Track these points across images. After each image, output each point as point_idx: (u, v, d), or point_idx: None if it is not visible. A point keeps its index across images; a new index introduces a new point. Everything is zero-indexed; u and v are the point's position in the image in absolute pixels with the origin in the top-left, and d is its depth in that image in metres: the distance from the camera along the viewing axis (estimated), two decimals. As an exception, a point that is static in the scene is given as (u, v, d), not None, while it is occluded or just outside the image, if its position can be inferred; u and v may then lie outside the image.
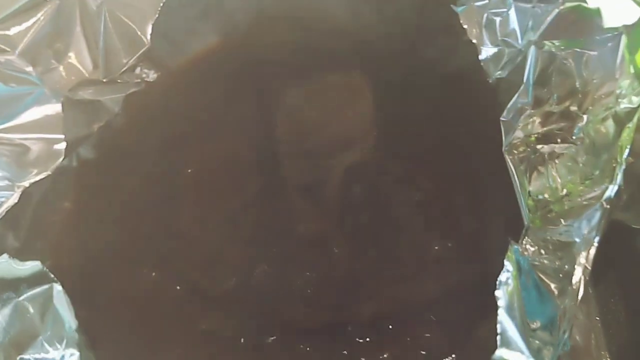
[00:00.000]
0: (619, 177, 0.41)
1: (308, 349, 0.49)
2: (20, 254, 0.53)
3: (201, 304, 0.52)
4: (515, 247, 0.38)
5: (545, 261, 0.37)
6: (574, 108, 0.41)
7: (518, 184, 0.40)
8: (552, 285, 0.37)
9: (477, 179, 0.52)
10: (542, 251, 0.38)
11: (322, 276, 0.49)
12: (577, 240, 0.37)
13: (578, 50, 0.41)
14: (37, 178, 0.47)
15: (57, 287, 0.38)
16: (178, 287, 0.53)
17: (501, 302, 0.33)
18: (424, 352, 0.50)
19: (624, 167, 0.42)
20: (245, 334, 0.49)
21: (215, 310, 0.51)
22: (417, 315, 0.51)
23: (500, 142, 0.42)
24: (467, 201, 0.52)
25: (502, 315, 0.33)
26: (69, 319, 0.37)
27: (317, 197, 0.49)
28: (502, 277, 0.34)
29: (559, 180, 0.41)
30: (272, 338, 0.49)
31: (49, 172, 0.48)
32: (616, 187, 0.40)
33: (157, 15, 0.47)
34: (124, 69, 0.48)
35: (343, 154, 0.49)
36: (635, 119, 0.43)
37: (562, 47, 0.41)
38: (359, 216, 0.49)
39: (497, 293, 0.34)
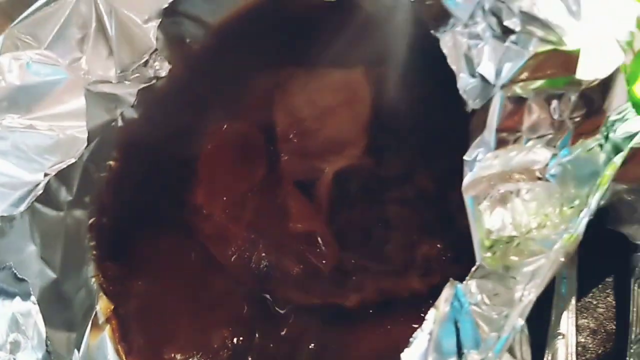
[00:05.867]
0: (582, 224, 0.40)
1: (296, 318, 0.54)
2: (73, 207, 0.61)
3: (213, 271, 0.58)
4: (459, 286, 0.39)
5: (486, 313, 0.38)
6: (544, 146, 0.40)
7: (474, 221, 0.40)
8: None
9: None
10: (486, 299, 0.39)
11: (312, 268, 0.52)
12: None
13: (555, 91, 0.39)
14: (64, 165, 0.53)
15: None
16: (193, 254, 0.59)
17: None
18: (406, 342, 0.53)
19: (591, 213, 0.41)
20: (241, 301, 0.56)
21: (222, 278, 0.57)
22: (402, 308, 0.54)
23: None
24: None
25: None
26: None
27: (310, 195, 0.52)
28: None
29: (524, 217, 0.41)
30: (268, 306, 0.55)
31: (74, 159, 0.53)
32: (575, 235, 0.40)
33: (160, 19, 0.49)
34: (134, 67, 0.51)
35: (334, 157, 0.51)
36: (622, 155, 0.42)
37: (536, 89, 0.39)
38: (349, 215, 0.52)
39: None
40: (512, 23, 0.38)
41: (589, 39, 0.38)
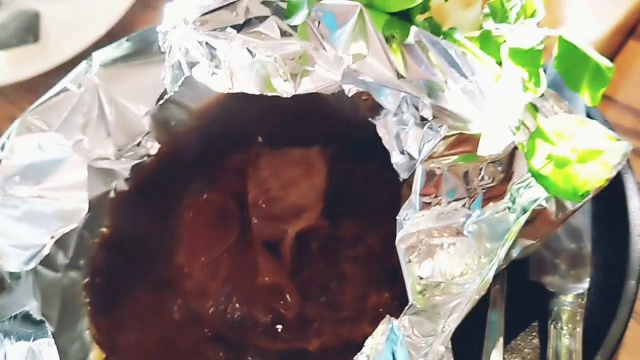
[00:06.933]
0: (492, 271, 0.50)
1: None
2: (69, 269, 0.70)
3: (193, 323, 0.67)
4: (394, 322, 0.48)
5: (415, 343, 0.47)
6: (461, 208, 0.51)
7: (406, 270, 0.50)
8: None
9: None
10: (416, 331, 0.48)
11: (279, 317, 0.61)
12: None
13: (465, 164, 0.50)
14: (67, 229, 0.62)
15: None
16: (175, 308, 0.67)
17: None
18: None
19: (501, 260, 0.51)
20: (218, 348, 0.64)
21: (201, 328, 0.65)
22: (358, 350, 0.62)
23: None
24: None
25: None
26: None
27: (276, 253, 0.62)
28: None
29: (448, 267, 0.51)
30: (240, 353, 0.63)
31: (76, 225, 0.62)
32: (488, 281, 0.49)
33: (149, 111, 0.60)
34: (129, 147, 0.62)
35: (295, 220, 0.61)
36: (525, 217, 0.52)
37: (449, 163, 0.50)
38: (310, 271, 0.62)
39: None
40: (426, 113, 0.49)
41: (488, 125, 0.49)
